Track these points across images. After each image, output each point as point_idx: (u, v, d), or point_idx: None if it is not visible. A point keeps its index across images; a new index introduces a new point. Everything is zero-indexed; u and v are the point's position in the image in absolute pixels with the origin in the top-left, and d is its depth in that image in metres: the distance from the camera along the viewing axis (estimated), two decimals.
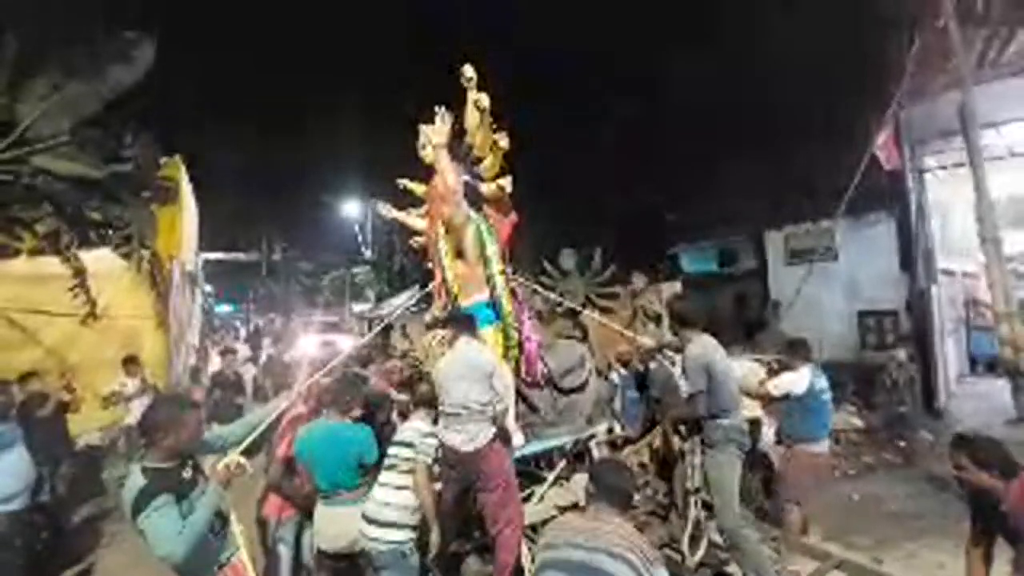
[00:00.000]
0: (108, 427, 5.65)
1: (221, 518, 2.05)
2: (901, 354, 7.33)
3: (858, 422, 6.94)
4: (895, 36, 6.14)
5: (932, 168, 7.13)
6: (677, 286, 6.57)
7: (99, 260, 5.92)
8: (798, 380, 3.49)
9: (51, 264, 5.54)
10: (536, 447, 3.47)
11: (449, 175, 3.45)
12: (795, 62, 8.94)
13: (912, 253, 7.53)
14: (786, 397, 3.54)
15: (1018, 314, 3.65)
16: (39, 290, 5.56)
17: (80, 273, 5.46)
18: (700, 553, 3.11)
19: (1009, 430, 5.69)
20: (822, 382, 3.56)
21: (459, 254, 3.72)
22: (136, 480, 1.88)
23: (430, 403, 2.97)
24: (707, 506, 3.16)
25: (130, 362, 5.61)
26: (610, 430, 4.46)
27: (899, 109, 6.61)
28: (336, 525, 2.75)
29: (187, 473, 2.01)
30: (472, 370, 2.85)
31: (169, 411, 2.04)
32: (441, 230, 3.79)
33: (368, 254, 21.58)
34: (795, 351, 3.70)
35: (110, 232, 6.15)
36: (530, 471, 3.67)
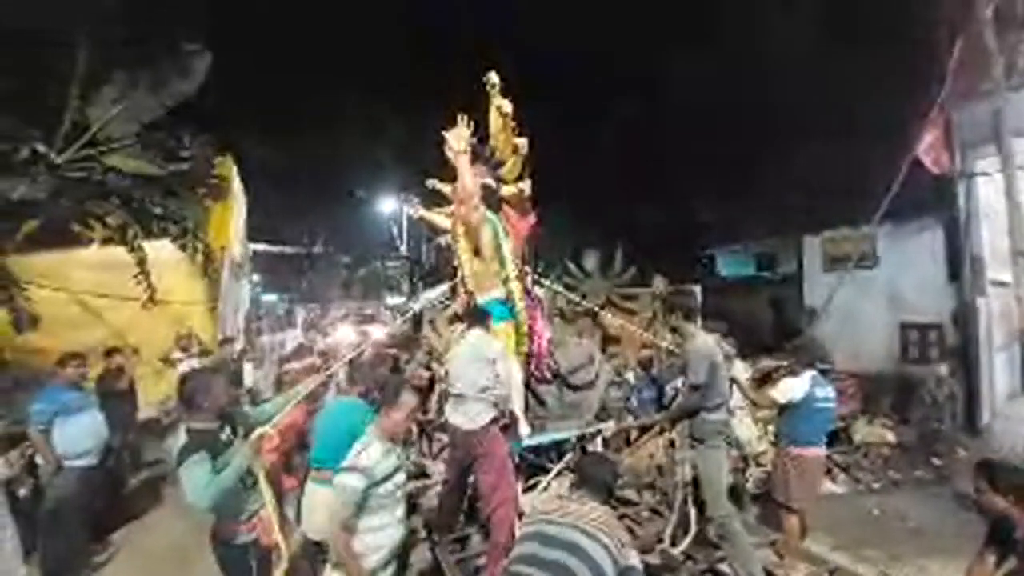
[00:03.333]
0: (164, 401, 6.22)
1: (252, 475, 2.34)
2: (943, 369, 6.98)
3: (891, 436, 6.68)
4: (939, 37, 5.83)
5: (983, 172, 6.71)
6: (692, 287, 6.52)
7: (159, 250, 6.50)
8: (798, 386, 3.48)
9: (118, 253, 6.13)
10: (543, 438, 3.63)
11: (467, 178, 3.65)
12: (837, 62, 8.61)
13: (959, 262, 7.13)
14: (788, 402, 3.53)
15: None
16: (107, 276, 6.18)
17: (143, 262, 6.02)
18: (683, 546, 3.15)
19: None
20: (824, 390, 3.52)
21: (476, 253, 3.93)
22: (180, 438, 2.24)
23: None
24: (697, 501, 3.22)
25: (183, 338, 6.27)
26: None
27: (947, 110, 6.28)
28: (311, 509, 2.74)
29: (224, 435, 2.34)
30: (479, 357, 3.10)
31: (198, 380, 2.39)
32: (460, 229, 4.01)
33: (402, 249, 22.23)
34: (800, 356, 3.68)
35: (170, 225, 6.75)
36: (537, 462, 3.83)
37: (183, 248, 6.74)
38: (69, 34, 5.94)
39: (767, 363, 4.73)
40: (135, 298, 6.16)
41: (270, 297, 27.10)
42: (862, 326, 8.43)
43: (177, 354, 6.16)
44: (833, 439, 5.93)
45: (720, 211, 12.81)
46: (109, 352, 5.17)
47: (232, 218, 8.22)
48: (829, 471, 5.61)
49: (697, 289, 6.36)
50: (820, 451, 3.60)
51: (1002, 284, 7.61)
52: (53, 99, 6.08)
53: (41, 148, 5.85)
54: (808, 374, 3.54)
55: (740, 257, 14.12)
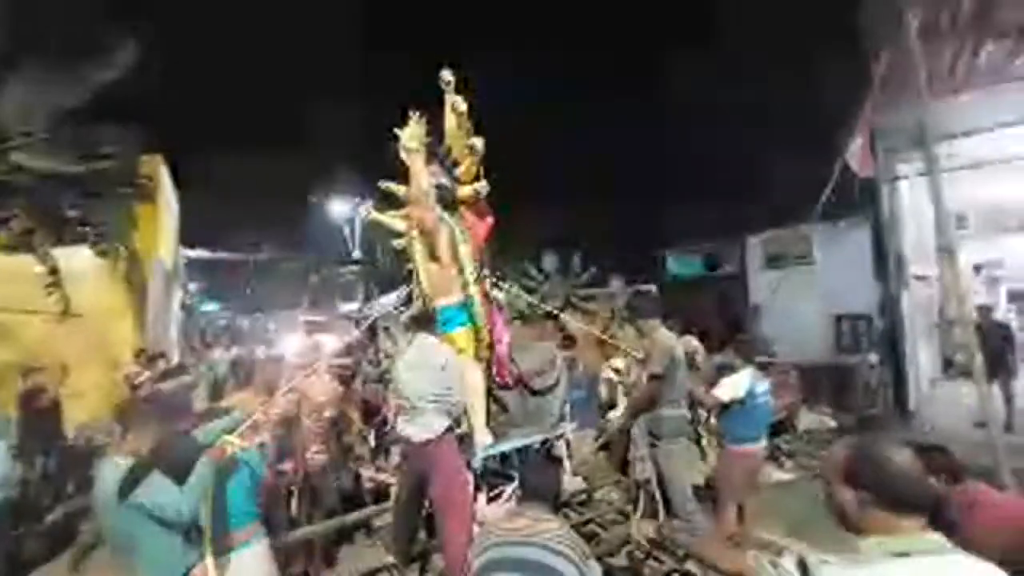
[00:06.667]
0: (82, 425, 5.60)
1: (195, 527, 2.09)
2: (873, 357, 7.53)
3: (831, 423, 7.11)
4: (866, 45, 6.30)
5: (905, 176, 7.32)
6: (653, 289, 6.67)
7: (74, 257, 5.87)
8: (739, 383, 3.52)
9: (26, 262, 5.48)
10: (505, 446, 3.53)
11: (421, 178, 3.50)
12: (776, 66, 9.13)
13: (885, 259, 7.71)
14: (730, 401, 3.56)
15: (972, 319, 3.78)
16: (13, 288, 5.51)
17: (54, 271, 5.41)
18: (650, 532, 3.11)
19: (978, 432, 5.86)
20: (762, 385, 3.59)
21: (433, 256, 3.77)
22: (118, 466, 1.93)
23: None
24: (663, 498, 3.22)
25: (142, 353, 5.57)
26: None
27: (871, 117, 6.78)
28: None
29: (162, 466, 2.05)
30: (427, 362, 2.96)
31: (137, 406, 2.09)
32: (415, 232, 3.84)
33: (356, 254, 21.49)
34: (738, 352, 3.72)
35: (87, 229, 6.08)
36: (500, 471, 3.72)
37: (103, 254, 6.10)
38: None
39: (718, 359, 4.88)
40: (46, 312, 5.52)
41: (210, 307, 25.44)
42: (801, 320, 8.96)
43: (134, 370, 5.33)
44: (778, 428, 6.23)
45: (671, 213, 13.30)
46: (27, 372, 4.68)
47: (162, 221, 7.56)
48: (776, 458, 5.88)
49: (654, 288, 6.49)
50: (761, 446, 3.66)
51: (922, 278, 8.34)
52: None
53: None
54: (747, 370, 3.58)
55: (689, 257, 14.74)
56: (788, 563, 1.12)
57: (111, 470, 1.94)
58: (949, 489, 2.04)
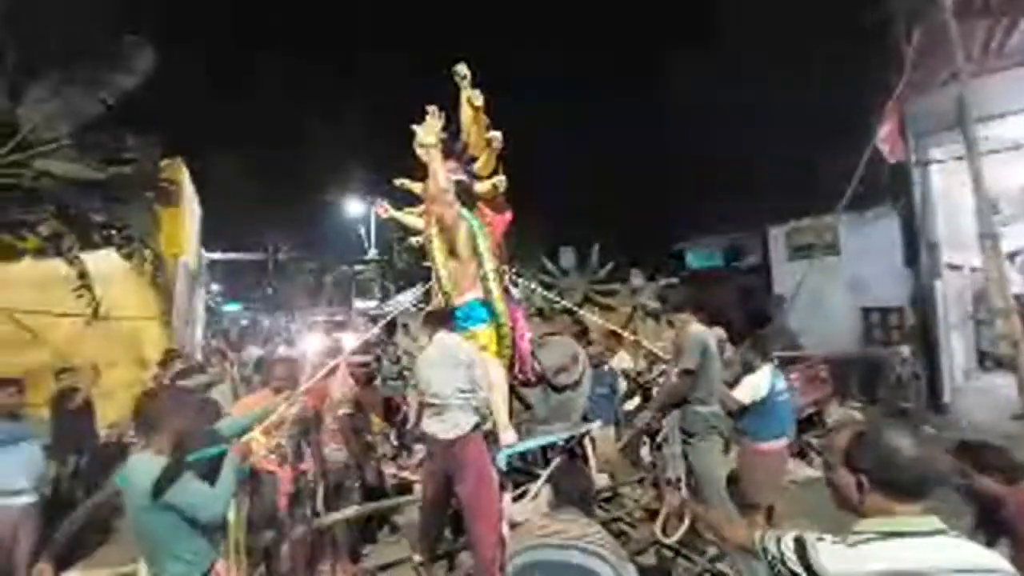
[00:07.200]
0: (114, 424, 5.74)
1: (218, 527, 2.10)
2: (905, 350, 7.27)
3: (861, 417, 6.89)
4: (897, 28, 6.04)
5: (937, 160, 7.03)
6: (674, 282, 6.53)
7: (102, 261, 5.98)
8: (761, 383, 3.37)
9: (55, 266, 5.60)
10: (530, 444, 3.48)
11: (439, 174, 3.46)
12: (797, 57, 8.85)
13: (916, 248, 7.44)
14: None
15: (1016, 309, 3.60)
16: (43, 292, 5.63)
17: (83, 274, 5.52)
18: (678, 535, 2.97)
19: (1015, 425, 5.62)
20: (781, 381, 3.46)
21: (452, 252, 3.73)
22: (151, 462, 1.90)
23: None
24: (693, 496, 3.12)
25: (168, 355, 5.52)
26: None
27: (902, 101, 6.52)
28: None
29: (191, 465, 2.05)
30: (450, 359, 2.93)
31: (167, 401, 2.09)
32: (435, 229, 3.80)
33: (372, 252, 21.65)
34: (756, 349, 3.56)
35: (113, 233, 6.21)
36: (524, 468, 3.68)
37: (128, 257, 6.20)
38: None
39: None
40: (76, 314, 5.64)
41: (231, 307, 25.98)
42: (827, 312, 8.71)
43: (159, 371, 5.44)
44: (807, 423, 6.06)
45: (689, 206, 13.07)
46: (60, 372, 4.77)
47: (185, 224, 7.69)
48: (806, 455, 5.72)
49: (675, 282, 6.37)
50: (784, 443, 3.51)
51: (955, 267, 8.03)
52: None
53: None
54: (767, 368, 3.44)
55: (708, 249, 14.48)
56: (788, 539, 1.17)
57: (142, 469, 1.91)
58: (1004, 490, 1.94)
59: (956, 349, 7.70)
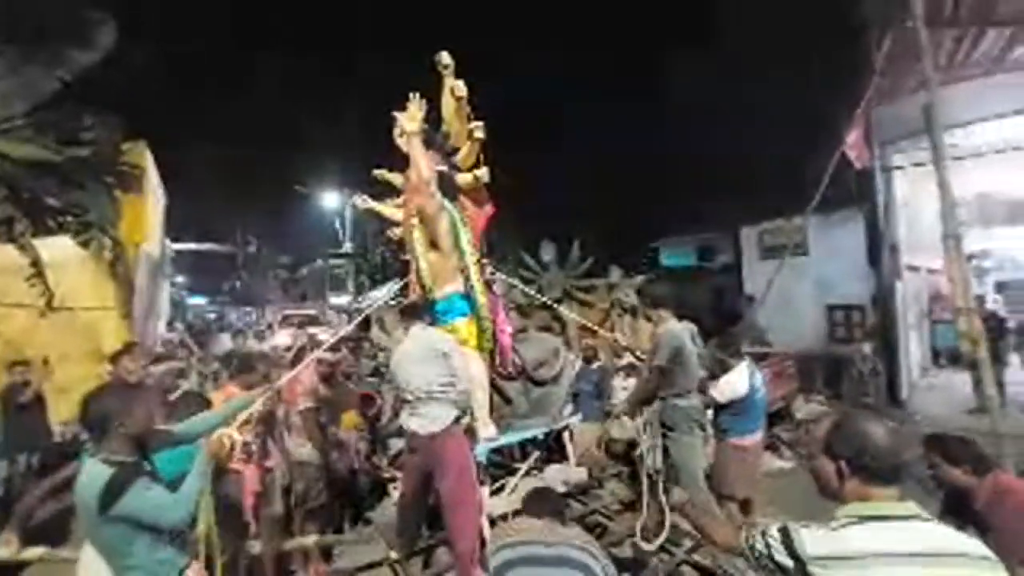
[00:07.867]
0: (68, 422, 5.43)
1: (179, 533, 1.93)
2: (866, 347, 7.59)
3: (827, 411, 7.16)
4: (867, 37, 6.26)
5: (899, 167, 7.35)
6: (653, 279, 6.62)
7: (57, 248, 5.64)
8: (739, 381, 3.39)
9: (6, 252, 5.26)
10: (510, 438, 3.47)
11: (422, 164, 3.39)
12: (776, 61, 9.08)
13: (879, 249, 7.76)
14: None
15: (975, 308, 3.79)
16: None
17: (36, 262, 5.20)
18: (659, 541, 3.05)
19: (969, 419, 5.93)
20: (757, 377, 3.48)
21: (433, 245, 3.66)
22: (99, 471, 1.71)
23: None
24: (667, 491, 3.17)
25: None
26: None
27: (869, 109, 6.77)
28: None
29: (149, 467, 1.89)
30: (428, 352, 2.87)
31: (116, 399, 1.90)
32: (415, 220, 3.72)
33: (348, 246, 21.23)
34: (728, 347, 3.57)
35: (69, 219, 5.85)
36: (503, 463, 3.67)
37: (86, 245, 5.85)
38: None
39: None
40: (29, 305, 5.31)
41: (197, 300, 25.04)
42: (795, 310, 9.01)
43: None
44: (776, 417, 6.25)
45: (665, 205, 13.30)
46: (11, 365, 4.48)
47: (147, 211, 7.32)
48: (776, 448, 5.90)
49: (653, 278, 6.45)
50: (759, 437, 3.56)
51: (914, 269, 8.42)
52: None
53: None
54: (743, 365, 3.45)
55: (682, 248, 14.79)
56: (773, 531, 1.21)
57: (89, 478, 1.72)
58: (973, 481, 2.01)
59: (913, 347, 8.08)
